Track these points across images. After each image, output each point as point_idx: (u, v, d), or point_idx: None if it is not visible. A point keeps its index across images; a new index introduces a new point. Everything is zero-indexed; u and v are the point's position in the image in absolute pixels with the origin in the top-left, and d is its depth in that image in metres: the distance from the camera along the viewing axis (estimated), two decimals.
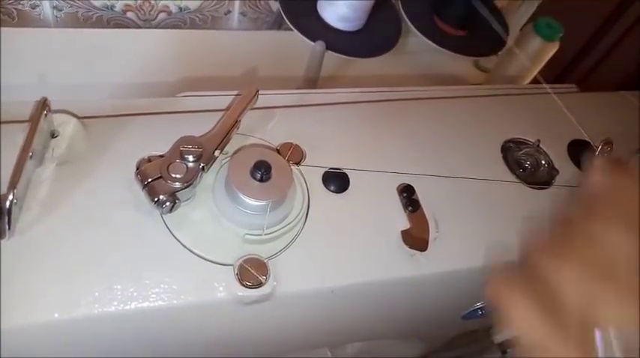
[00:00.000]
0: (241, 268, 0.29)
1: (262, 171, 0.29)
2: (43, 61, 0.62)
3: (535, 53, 0.71)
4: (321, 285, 0.31)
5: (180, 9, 0.78)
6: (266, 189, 0.30)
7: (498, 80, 0.75)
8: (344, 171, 0.34)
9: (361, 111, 0.40)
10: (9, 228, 0.27)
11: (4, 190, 0.26)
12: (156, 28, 0.78)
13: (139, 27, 0.78)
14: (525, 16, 0.83)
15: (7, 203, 0.26)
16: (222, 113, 0.33)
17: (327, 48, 0.62)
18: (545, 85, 0.42)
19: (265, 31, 0.82)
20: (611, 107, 0.38)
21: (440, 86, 0.42)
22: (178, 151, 0.29)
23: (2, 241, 0.27)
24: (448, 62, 0.78)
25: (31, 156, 0.27)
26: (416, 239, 0.33)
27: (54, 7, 0.72)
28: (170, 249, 0.30)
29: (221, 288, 0.30)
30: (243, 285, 0.29)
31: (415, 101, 0.41)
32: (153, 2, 0.75)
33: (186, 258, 0.30)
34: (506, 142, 0.40)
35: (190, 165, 0.30)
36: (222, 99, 0.36)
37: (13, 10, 0.72)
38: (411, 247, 0.32)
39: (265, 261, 0.30)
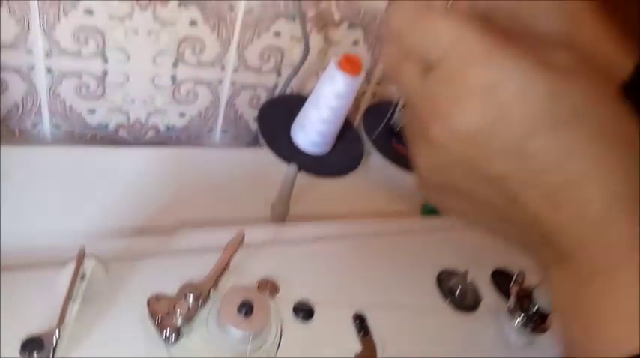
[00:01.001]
0: None
1: (246, 308, 0.36)
2: (41, 177, 0.69)
3: None
4: None
5: (168, 127, 0.87)
6: (249, 322, 0.36)
7: None
8: (309, 303, 0.41)
9: (324, 247, 0.47)
10: None
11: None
12: (144, 144, 0.87)
13: (129, 144, 0.86)
14: None
15: (54, 340, 0.32)
16: (212, 252, 0.40)
17: (299, 169, 0.71)
18: None
19: (245, 148, 0.91)
20: None
21: (390, 218, 0.50)
22: (183, 293, 0.36)
23: None
24: (405, 177, 0.88)
25: (72, 299, 0.34)
26: None
27: (53, 125, 0.80)
28: None
29: None
30: None
31: (370, 237, 0.49)
32: (143, 121, 0.84)
33: None
34: (440, 272, 0.48)
35: (191, 304, 0.36)
36: (213, 237, 0.43)
37: (16, 129, 0.79)
38: None
39: None
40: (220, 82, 0.82)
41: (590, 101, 0.25)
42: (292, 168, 0.69)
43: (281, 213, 0.75)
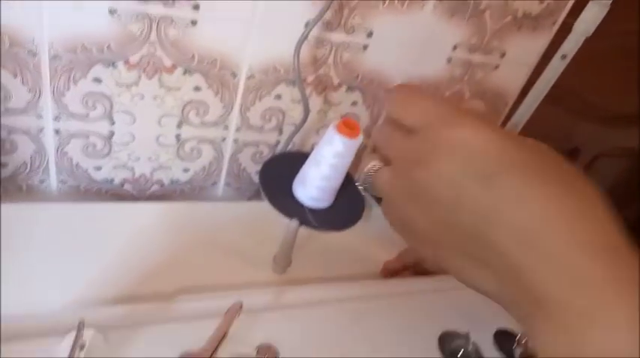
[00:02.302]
0: None
1: None
2: (44, 236, 0.71)
3: None
4: None
5: (172, 181, 0.89)
6: None
7: None
8: None
9: (324, 310, 0.48)
10: None
11: None
12: (149, 198, 0.89)
13: (134, 197, 0.88)
14: None
15: None
16: (212, 319, 0.41)
17: (300, 224, 0.72)
18: None
19: (247, 202, 0.93)
20: None
21: (393, 278, 0.52)
22: None
23: None
24: None
25: None
26: None
27: (60, 181, 0.82)
28: None
29: None
30: None
31: (370, 298, 0.50)
32: (148, 176, 0.87)
33: None
34: (442, 334, 0.48)
35: None
36: (213, 303, 0.44)
37: (23, 185, 0.82)
38: None
39: None
40: (224, 139, 0.85)
41: (539, 155, 0.30)
42: (294, 222, 0.71)
43: (283, 265, 0.76)
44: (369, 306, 0.50)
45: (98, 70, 0.70)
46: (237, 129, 0.84)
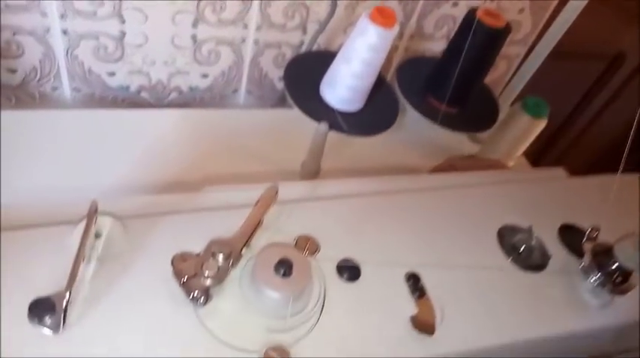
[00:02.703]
0: (266, 355, 0.32)
1: (285, 268, 0.33)
2: (62, 142, 0.67)
3: (524, 129, 0.76)
4: None
5: (191, 88, 0.83)
6: (288, 283, 0.33)
7: (490, 153, 0.79)
8: (355, 262, 0.37)
9: (369, 203, 0.43)
10: (63, 324, 0.29)
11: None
12: (168, 106, 0.84)
13: (151, 106, 0.83)
14: (514, 93, 0.89)
15: (64, 302, 0.29)
16: (242, 209, 0.37)
17: (330, 128, 0.66)
18: (534, 171, 0.47)
19: (270, 109, 0.87)
20: (597, 190, 0.41)
21: (436, 174, 0.46)
22: (210, 251, 0.33)
23: (55, 335, 0.29)
24: (444, 135, 0.83)
25: (83, 259, 0.31)
26: (423, 324, 0.36)
27: (73, 89, 0.77)
28: (201, 338, 0.33)
29: None
30: None
31: (416, 192, 0.45)
32: (165, 83, 0.81)
33: (216, 346, 0.33)
34: (501, 228, 0.43)
35: (221, 263, 0.33)
36: (242, 194, 0.39)
37: (36, 93, 0.77)
38: (419, 332, 0.35)
39: (288, 349, 0.33)
40: (243, 40, 0.78)
41: None
42: (323, 126, 0.66)
43: (312, 173, 0.71)
44: (416, 199, 0.45)
45: None
46: (258, 28, 0.77)
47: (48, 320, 0.30)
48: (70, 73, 0.75)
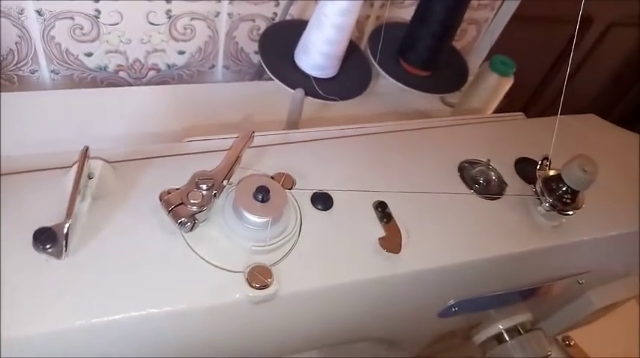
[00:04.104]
0: (250, 274, 0.36)
1: (263, 193, 0.36)
2: (44, 122, 0.68)
3: (492, 87, 0.79)
4: (314, 286, 0.37)
5: (169, 66, 0.85)
6: (266, 208, 0.36)
7: (462, 113, 0.82)
8: (328, 192, 0.40)
9: (340, 145, 0.46)
10: (65, 250, 0.33)
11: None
12: (146, 85, 0.85)
13: (130, 86, 0.84)
14: (482, 55, 0.91)
15: (65, 229, 0.32)
16: (223, 153, 0.39)
17: (306, 93, 0.69)
18: (495, 115, 0.50)
19: (248, 82, 0.89)
20: (551, 129, 0.44)
21: (405, 121, 0.49)
22: (194, 182, 0.36)
23: (59, 260, 0.33)
24: (417, 100, 0.86)
25: (79, 195, 0.33)
26: (391, 244, 0.39)
27: (51, 71, 0.79)
28: (191, 261, 0.36)
29: (234, 291, 0.36)
30: (252, 287, 0.36)
31: (386, 134, 0.47)
32: (143, 61, 0.82)
33: (205, 268, 0.36)
34: (461, 163, 0.46)
35: (204, 193, 0.36)
36: (222, 142, 0.42)
37: (14, 76, 0.78)
38: (387, 251, 0.39)
39: (269, 267, 0.36)
40: (217, 14, 0.80)
41: None
42: (299, 93, 0.68)
43: None
44: (383, 140, 0.48)
45: None
46: (231, 1, 0.78)
47: (51, 248, 0.33)
48: (48, 55, 0.76)
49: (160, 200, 0.36)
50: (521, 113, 0.59)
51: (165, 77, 0.86)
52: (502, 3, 0.89)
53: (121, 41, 0.78)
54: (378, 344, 0.51)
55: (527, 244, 0.44)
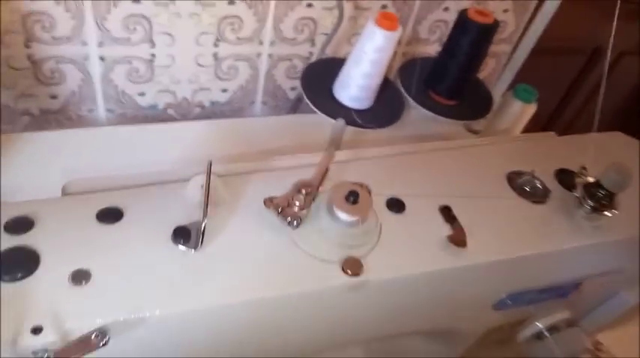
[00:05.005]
0: (344, 264, 0.43)
1: (354, 196, 0.42)
2: (108, 153, 0.74)
3: (517, 114, 0.85)
4: (396, 275, 0.44)
5: (212, 103, 0.92)
6: (356, 209, 0.42)
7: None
8: (400, 198, 0.47)
9: (402, 160, 0.52)
10: (201, 244, 0.40)
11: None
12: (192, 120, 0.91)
13: (177, 121, 0.91)
14: (504, 85, 0.97)
15: (202, 226, 0.40)
16: (304, 168, 0.45)
17: (347, 123, 0.74)
18: (528, 134, 0.56)
19: (285, 116, 0.95)
20: (580, 145, 0.51)
21: (451, 140, 0.55)
22: (297, 188, 0.42)
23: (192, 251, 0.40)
24: (444, 127, 0.91)
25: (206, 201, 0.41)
26: (457, 240, 0.45)
27: (107, 110, 0.85)
28: (295, 254, 0.44)
29: (332, 278, 0.43)
30: (347, 275, 0.42)
31: (439, 151, 0.54)
32: (190, 99, 0.89)
33: (307, 259, 0.44)
34: (509, 173, 0.52)
35: (305, 197, 0.42)
36: (303, 159, 0.49)
37: (73, 115, 0.85)
38: (455, 245, 0.44)
39: (359, 258, 0.42)
40: (259, 55, 0.87)
41: None
42: (340, 122, 0.73)
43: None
44: (440, 156, 0.54)
45: None
46: (272, 44, 0.85)
47: (187, 242, 0.41)
48: (105, 96, 0.83)
49: (265, 204, 0.43)
50: (552, 132, 0.64)
51: (209, 113, 0.93)
52: (522, 37, 0.96)
53: (172, 81, 0.85)
54: (431, 339, 0.55)
55: (571, 241, 0.49)
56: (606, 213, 0.49)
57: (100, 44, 0.76)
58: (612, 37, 0.52)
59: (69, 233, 0.40)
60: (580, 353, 0.53)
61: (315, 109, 0.76)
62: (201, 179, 0.43)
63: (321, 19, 0.85)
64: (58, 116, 0.83)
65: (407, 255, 0.46)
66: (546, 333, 0.55)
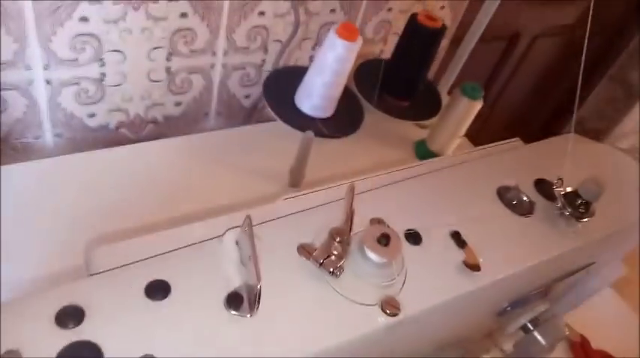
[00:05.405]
0: (383, 304, 0.45)
1: (386, 239, 0.43)
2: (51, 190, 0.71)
3: (464, 111, 0.89)
4: (427, 305, 0.47)
5: (166, 118, 0.89)
6: (389, 251, 0.44)
7: (438, 135, 0.92)
8: (416, 230, 0.49)
9: (400, 189, 0.55)
10: (257, 308, 0.40)
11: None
12: (145, 138, 0.88)
13: (130, 140, 0.87)
14: (449, 82, 1.02)
15: (258, 290, 0.39)
16: (319, 207, 0.46)
17: (316, 134, 0.75)
18: (496, 143, 0.61)
19: (241, 127, 0.94)
20: (544, 152, 0.57)
21: (432, 161, 0.60)
22: (332, 237, 0.43)
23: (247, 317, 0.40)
24: (397, 126, 0.95)
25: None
26: (472, 265, 0.48)
27: (55, 135, 0.81)
28: (337, 301, 0.44)
29: (375, 320, 0.44)
30: (387, 315, 0.44)
31: (427, 175, 0.57)
32: (142, 116, 0.86)
33: (349, 305, 0.44)
34: (498, 189, 0.57)
35: (341, 244, 0.43)
36: (312, 196, 0.50)
37: (18, 144, 0.79)
38: (472, 270, 0.48)
39: (394, 296, 0.44)
40: (212, 66, 0.85)
41: None
42: (309, 133, 0.74)
43: (299, 178, 0.80)
44: (429, 181, 0.58)
45: (84, 9, 0.68)
46: (225, 54, 0.84)
47: (239, 307, 0.40)
48: (53, 120, 0.78)
49: (301, 254, 0.43)
50: (517, 138, 0.69)
51: (162, 129, 0.90)
52: (458, 32, 1.01)
53: (123, 100, 0.81)
54: (437, 347, 0.59)
55: (560, 248, 0.55)
56: (585, 219, 0.55)
57: (46, 67, 0.71)
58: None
59: (123, 317, 0.39)
60: (561, 340, 0.60)
61: (280, 121, 0.77)
62: (234, 234, 0.43)
63: (273, 26, 0.85)
64: (1, 146, 0.77)
65: (432, 286, 0.49)
66: (530, 326, 0.61)
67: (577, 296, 0.65)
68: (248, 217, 0.41)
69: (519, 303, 0.57)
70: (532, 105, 1.79)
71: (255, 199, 0.74)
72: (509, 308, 0.57)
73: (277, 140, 0.85)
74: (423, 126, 1.00)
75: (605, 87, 1.82)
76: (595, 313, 0.71)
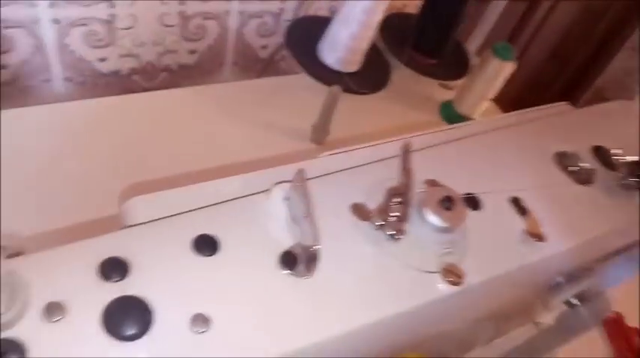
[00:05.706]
0: (445, 272, 0.42)
1: (449, 202, 0.40)
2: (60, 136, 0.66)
3: (495, 73, 0.84)
4: (488, 276, 0.44)
5: (180, 66, 0.84)
6: (452, 215, 0.40)
7: (465, 97, 0.87)
8: (475, 194, 0.46)
9: (453, 149, 0.51)
10: (314, 269, 0.38)
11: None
12: (159, 87, 0.83)
13: (143, 88, 0.83)
14: (478, 42, 0.97)
15: (316, 251, 0.37)
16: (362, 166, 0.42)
17: (343, 89, 0.70)
18: (546, 106, 0.57)
19: (259, 79, 0.89)
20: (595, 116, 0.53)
21: (485, 119, 0.55)
22: (389, 197, 0.39)
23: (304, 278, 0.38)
24: (423, 85, 0.90)
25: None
26: (535, 234, 0.45)
27: (64, 79, 0.76)
28: (396, 268, 0.41)
29: (436, 289, 0.41)
30: (449, 283, 0.41)
31: (479, 136, 0.53)
32: (155, 63, 0.81)
33: (410, 272, 0.41)
34: (554, 155, 0.53)
35: (400, 206, 0.39)
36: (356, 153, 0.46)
37: (27, 87, 0.74)
38: (535, 240, 0.44)
39: (456, 264, 0.42)
40: (227, 12, 0.80)
41: None
42: (336, 88, 0.69)
43: (323, 135, 0.76)
44: (483, 142, 0.54)
45: None
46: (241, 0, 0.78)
47: (293, 268, 0.38)
48: (62, 63, 0.73)
49: (355, 214, 0.40)
50: (565, 102, 0.65)
51: (177, 78, 0.85)
52: None
53: (135, 44, 0.76)
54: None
55: (623, 219, 0.52)
56: None
57: (52, 5, 0.66)
58: None
59: (170, 272, 0.35)
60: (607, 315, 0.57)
61: (306, 73, 0.72)
62: (282, 189, 0.39)
63: None
64: (7, 89, 0.72)
65: (494, 254, 0.45)
66: (576, 301, 0.58)
67: (623, 271, 0.62)
68: (301, 171, 0.37)
69: (573, 277, 0.54)
70: (549, 72, 1.73)
71: (281, 155, 0.70)
72: (562, 282, 0.54)
73: (296, 94, 0.80)
74: (448, 87, 0.95)
75: (625, 56, 1.75)
76: (629, 289, 0.68)
